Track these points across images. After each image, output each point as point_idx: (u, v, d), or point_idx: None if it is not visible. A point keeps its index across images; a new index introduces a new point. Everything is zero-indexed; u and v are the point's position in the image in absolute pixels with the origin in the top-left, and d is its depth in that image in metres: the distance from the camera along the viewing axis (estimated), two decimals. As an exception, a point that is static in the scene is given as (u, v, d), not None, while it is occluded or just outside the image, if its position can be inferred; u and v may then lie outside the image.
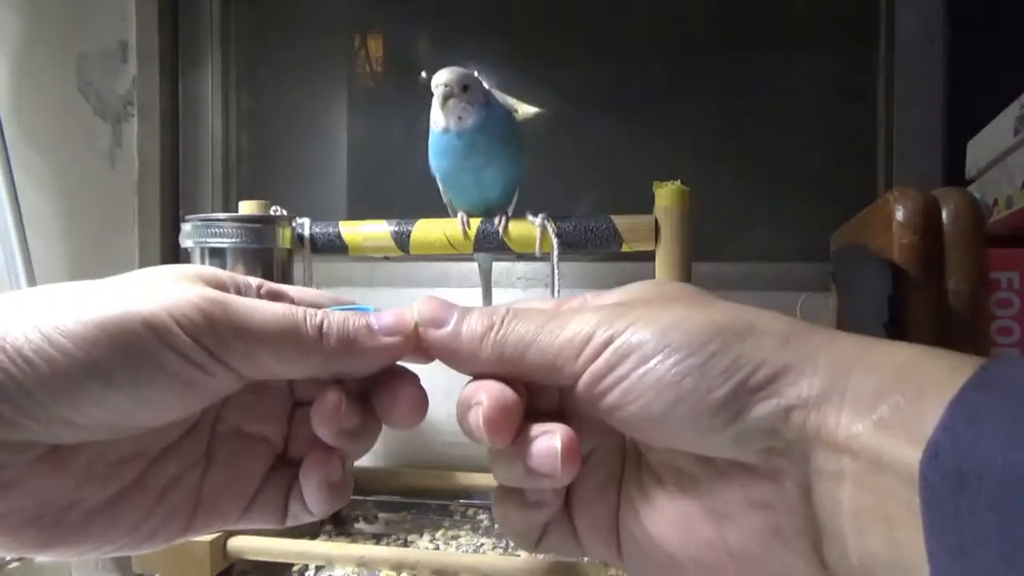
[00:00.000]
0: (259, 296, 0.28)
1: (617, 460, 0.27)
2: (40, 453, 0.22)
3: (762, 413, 0.21)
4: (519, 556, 0.68)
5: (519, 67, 1.13)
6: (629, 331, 0.23)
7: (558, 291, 0.59)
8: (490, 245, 0.64)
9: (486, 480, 0.81)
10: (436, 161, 0.65)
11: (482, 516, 0.78)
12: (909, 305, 0.45)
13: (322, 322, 0.25)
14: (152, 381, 0.22)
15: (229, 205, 1.14)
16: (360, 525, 0.78)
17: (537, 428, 0.24)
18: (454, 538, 0.72)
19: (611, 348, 0.23)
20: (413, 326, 0.25)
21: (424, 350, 0.26)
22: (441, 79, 0.60)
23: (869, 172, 0.99)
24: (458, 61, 1.14)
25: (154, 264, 0.98)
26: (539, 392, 0.26)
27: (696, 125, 1.06)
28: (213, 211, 1.10)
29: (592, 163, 1.09)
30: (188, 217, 0.65)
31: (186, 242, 0.65)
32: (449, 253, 0.65)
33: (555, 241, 0.60)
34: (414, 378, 0.26)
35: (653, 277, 0.59)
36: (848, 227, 0.64)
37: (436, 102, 0.61)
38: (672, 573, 0.25)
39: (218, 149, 1.15)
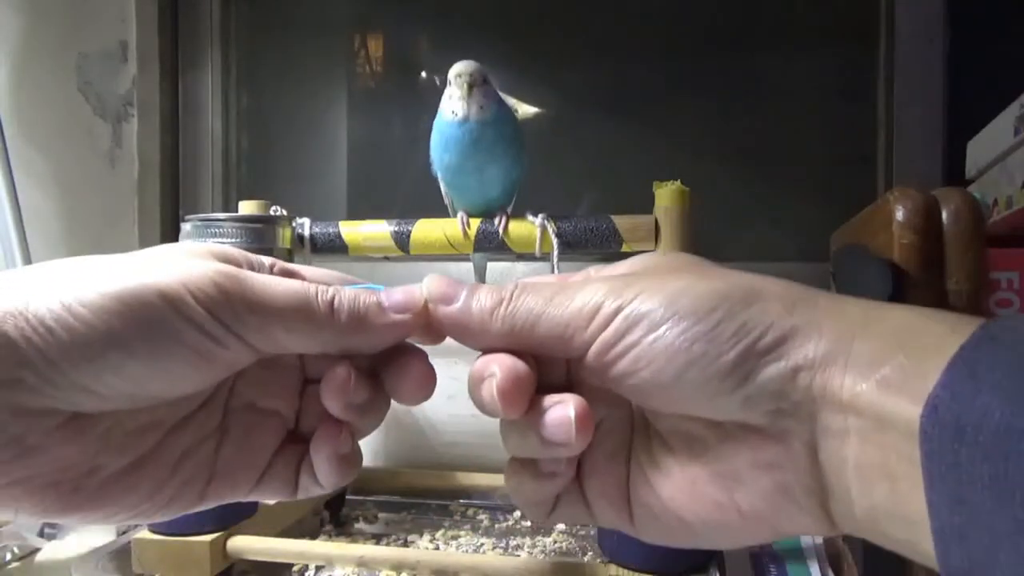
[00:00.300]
0: (272, 274, 0.28)
1: (626, 429, 0.28)
2: (61, 420, 0.23)
3: (770, 375, 0.22)
4: (519, 556, 0.67)
5: (519, 67, 1.13)
6: (637, 300, 0.23)
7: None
8: (490, 245, 0.64)
9: (486, 480, 0.81)
10: (443, 155, 0.63)
11: (482, 516, 0.78)
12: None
13: (333, 298, 0.25)
14: (169, 352, 0.23)
15: (229, 205, 1.14)
16: (360, 525, 0.78)
17: (550, 399, 0.25)
18: (454, 538, 0.72)
19: (620, 317, 0.23)
20: (423, 303, 0.26)
21: (434, 328, 0.26)
22: (465, 68, 0.60)
23: (869, 172, 0.99)
24: (458, 61, 1.14)
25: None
26: (547, 366, 0.26)
27: (696, 125, 1.06)
28: (213, 211, 1.10)
29: (592, 163, 1.09)
30: (188, 217, 0.65)
31: (186, 242, 0.65)
32: (449, 253, 0.65)
33: (555, 241, 0.60)
34: (422, 354, 0.27)
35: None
36: (848, 227, 0.64)
37: (456, 91, 0.60)
38: (681, 534, 0.26)
39: (218, 149, 1.15)
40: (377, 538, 0.73)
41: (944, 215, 0.46)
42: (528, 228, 0.63)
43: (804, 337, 0.22)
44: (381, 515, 0.80)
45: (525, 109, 1.12)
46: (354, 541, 0.73)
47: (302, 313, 0.25)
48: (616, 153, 1.08)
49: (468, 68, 0.60)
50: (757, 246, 1.02)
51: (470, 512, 0.79)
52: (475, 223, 0.64)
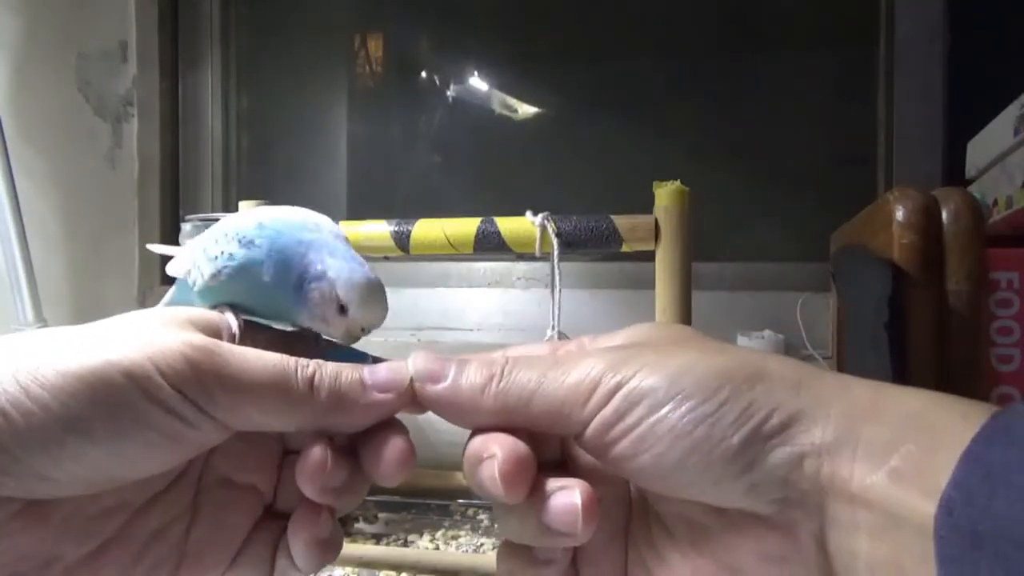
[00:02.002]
0: (256, 338, 0.26)
1: (623, 511, 0.26)
2: (16, 509, 0.21)
3: (776, 461, 0.21)
4: (519, 556, 0.68)
5: (519, 67, 1.13)
6: (638, 377, 0.22)
7: (559, 291, 0.59)
8: (490, 245, 0.64)
9: (486, 480, 0.81)
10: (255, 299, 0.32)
11: (482, 516, 0.78)
12: (909, 305, 0.45)
13: (313, 374, 0.24)
14: (133, 435, 0.21)
15: (229, 205, 1.14)
16: (360, 525, 0.78)
17: (553, 483, 0.23)
18: (454, 538, 0.72)
19: (620, 395, 0.22)
20: (408, 381, 0.24)
21: (418, 403, 0.25)
22: (377, 324, 0.30)
23: (869, 172, 0.99)
24: (458, 61, 1.14)
25: (154, 264, 0.98)
26: (540, 441, 0.25)
27: (696, 125, 1.06)
28: (213, 211, 1.10)
29: (592, 163, 1.09)
30: (188, 217, 0.66)
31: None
32: (449, 253, 0.65)
33: (555, 241, 0.60)
34: (402, 430, 0.25)
35: (653, 277, 0.58)
36: (848, 227, 0.64)
37: (344, 335, 0.29)
38: None
39: (218, 149, 1.15)
40: (377, 538, 0.73)
41: (944, 215, 0.46)
42: (528, 228, 0.63)
43: (811, 421, 0.21)
44: (381, 515, 0.80)
45: (525, 109, 1.12)
46: (354, 541, 0.73)
47: (280, 391, 0.23)
48: (616, 153, 1.08)
49: (382, 320, 0.31)
50: (757, 246, 1.02)
51: (470, 512, 0.79)
52: (475, 223, 0.64)
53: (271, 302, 0.28)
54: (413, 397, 0.25)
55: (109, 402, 0.21)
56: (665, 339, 0.25)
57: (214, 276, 0.28)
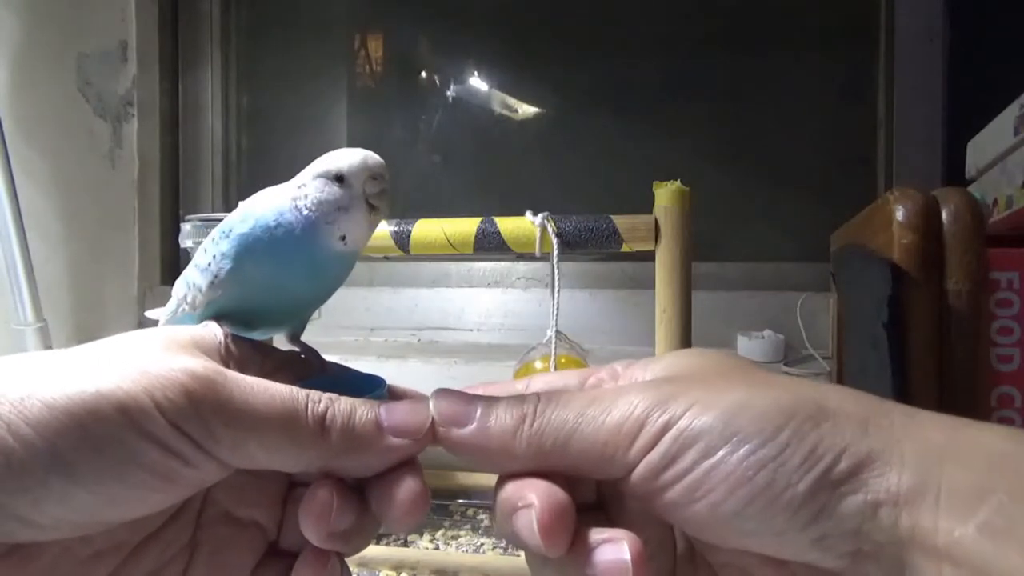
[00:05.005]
0: (263, 368, 0.25)
1: (668, 558, 0.24)
2: None
3: (848, 510, 0.19)
4: (519, 556, 0.67)
5: (519, 67, 1.13)
6: (689, 415, 0.20)
7: (558, 291, 0.59)
8: (490, 245, 0.64)
9: (486, 480, 0.81)
10: (279, 276, 0.29)
11: (482, 516, 0.78)
12: (909, 305, 0.45)
13: (325, 412, 0.22)
14: (123, 476, 0.19)
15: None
16: (360, 525, 0.78)
17: (597, 534, 0.21)
18: (454, 538, 0.72)
19: (670, 436, 0.20)
20: (428, 424, 0.22)
21: (438, 443, 0.23)
22: (380, 168, 0.28)
23: (869, 172, 0.99)
24: (458, 61, 1.14)
25: (154, 264, 0.97)
26: (574, 483, 0.23)
27: (696, 125, 1.06)
28: (213, 211, 1.10)
29: (592, 163, 1.09)
30: (188, 217, 0.66)
31: (186, 242, 0.65)
32: (449, 253, 0.65)
33: (555, 241, 0.60)
34: (415, 469, 0.23)
35: (653, 277, 0.58)
36: (848, 227, 0.64)
37: (359, 204, 0.27)
38: None
39: (218, 149, 1.15)
40: (377, 538, 0.73)
41: (944, 215, 0.46)
42: (528, 228, 0.63)
43: (884, 464, 0.19)
44: (381, 515, 0.80)
45: (525, 109, 1.12)
46: (354, 541, 0.73)
47: (288, 429, 0.21)
48: (616, 153, 1.08)
49: (377, 167, 0.28)
50: (757, 246, 1.02)
51: (470, 512, 0.79)
52: (475, 223, 0.64)
53: (284, 278, 0.27)
54: (433, 439, 0.23)
55: (97, 440, 0.19)
56: (710, 370, 0.23)
57: (212, 284, 0.27)
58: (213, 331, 0.25)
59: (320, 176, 0.26)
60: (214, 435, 0.20)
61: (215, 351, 0.24)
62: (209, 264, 0.27)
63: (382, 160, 0.27)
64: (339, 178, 0.26)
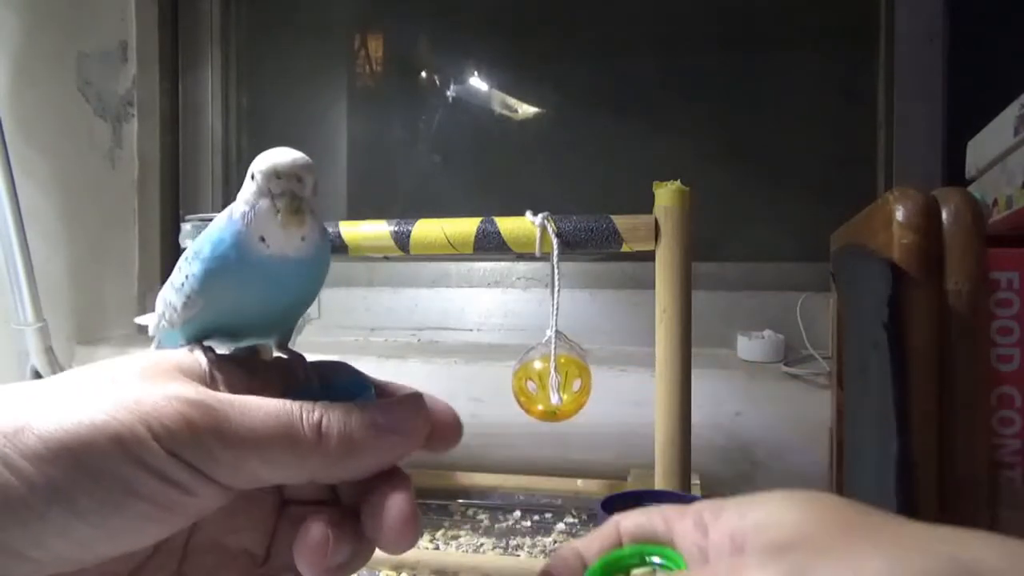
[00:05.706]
0: (250, 381, 0.24)
1: None
2: None
3: None
4: (519, 556, 0.67)
5: (519, 67, 1.13)
6: None
7: (558, 291, 0.59)
8: (490, 245, 0.64)
9: (486, 480, 0.81)
10: (229, 296, 0.28)
11: (482, 516, 0.78)
12: (909, 305, 0.45)
13: (321, 419, 0.22)
14: (121, 508, 0.19)
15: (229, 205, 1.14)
16: (360, 525, 0.78)
17: None
18: (454, 538, 0.72)
19: None
20: (422, 421, 0.23)
21: (433, 441, 0.23)
22: (287, 166, 0.25)
23: (869, 172, 0.99)
24: (458, 61, 1.14)
25: (154, 264, 0.98)
26: None
27: (696, 125, 1.06)
28: (213, 211, 1.10)
29: (592, 163, 1.09)
30: (188, 217, 0.66)
31: (186, 242, 0.65)
32: (449, 253, 0.65)
33: (555, 241, 0.60)
34: (406, 485, 0.23)
35: (653, 277, 0.58)
36: (848, 227, 0.64)
37: (268, 208, 0.26)
38: None
39: (218, 149, 1.15)
40: (377, 538, 0.73)
41: (944, 215, 0.46)
42: (528, 228, 0.63)
43: None
44: (381, 515, 0.80)
45: (525, 109, 1.12)
46: (354, 541, 0.73)
47: (286, 441, 0.21)
48: (616, 153, 1.08)
49: (292, 166, 0.26)
50: (757, 246, 1.02)
51: (470, 512, 0.79)
52: (475, 223, 0.64)
53: (257, 294, 0.26)
54: (429, 435, 0.23)
55: (96, 473, 0.19)
56: (828, 523, 0.20)
57: (186, 304, 0.26)
58: (198, 358, 0.25)
59: (250, 196, 0.25)
60: (214, 458, 0.20)
61: (202, 375, 0.24)
62: (182, 284, 0.26)
63: (304, 161, 0.25)
64: (252, 176, 0.25)
